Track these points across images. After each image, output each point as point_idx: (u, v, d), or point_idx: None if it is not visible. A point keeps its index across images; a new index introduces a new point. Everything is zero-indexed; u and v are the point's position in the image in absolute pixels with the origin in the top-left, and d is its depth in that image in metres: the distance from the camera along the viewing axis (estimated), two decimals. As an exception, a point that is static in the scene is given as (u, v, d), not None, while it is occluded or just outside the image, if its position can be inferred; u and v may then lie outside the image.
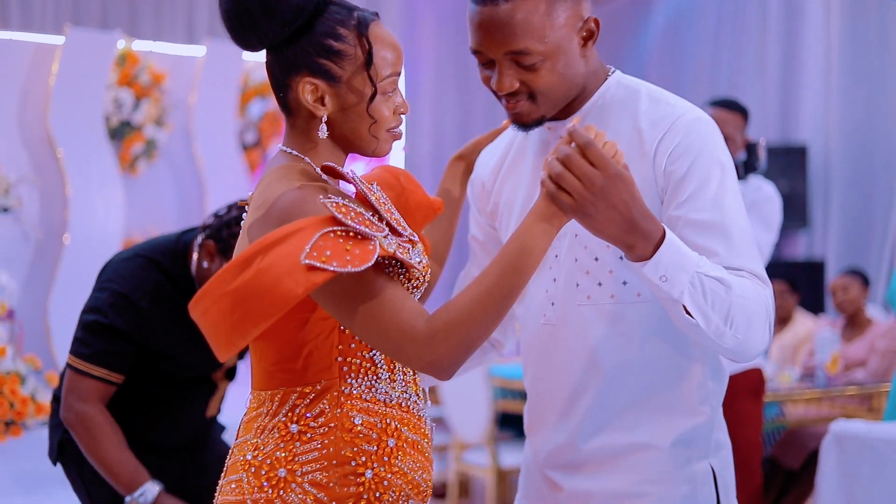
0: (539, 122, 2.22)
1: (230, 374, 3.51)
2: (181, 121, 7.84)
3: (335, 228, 1.81)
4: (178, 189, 7.95)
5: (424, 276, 2.02)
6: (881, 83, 8.39)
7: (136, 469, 3.21)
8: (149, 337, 3.23)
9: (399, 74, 2.07)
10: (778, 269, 7.88)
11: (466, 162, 2.58)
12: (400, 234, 1.95)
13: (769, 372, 5.97)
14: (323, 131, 2.01)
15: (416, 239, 2.02)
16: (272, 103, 8.21)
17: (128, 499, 3.19)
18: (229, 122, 7.89)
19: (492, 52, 2.14)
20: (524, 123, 2.21)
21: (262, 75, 8.16)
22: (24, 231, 7.19)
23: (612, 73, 2.29)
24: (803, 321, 7.16)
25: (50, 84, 7.22)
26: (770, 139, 8.91)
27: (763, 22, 9.22)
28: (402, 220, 2.04)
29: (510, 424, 6.99)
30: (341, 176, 2.05)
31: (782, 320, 7.17)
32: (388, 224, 1.94)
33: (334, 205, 1.83)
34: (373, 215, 1.93)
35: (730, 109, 4.80)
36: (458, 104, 10.19)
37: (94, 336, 3.21)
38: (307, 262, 1.75)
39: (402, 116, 2.10)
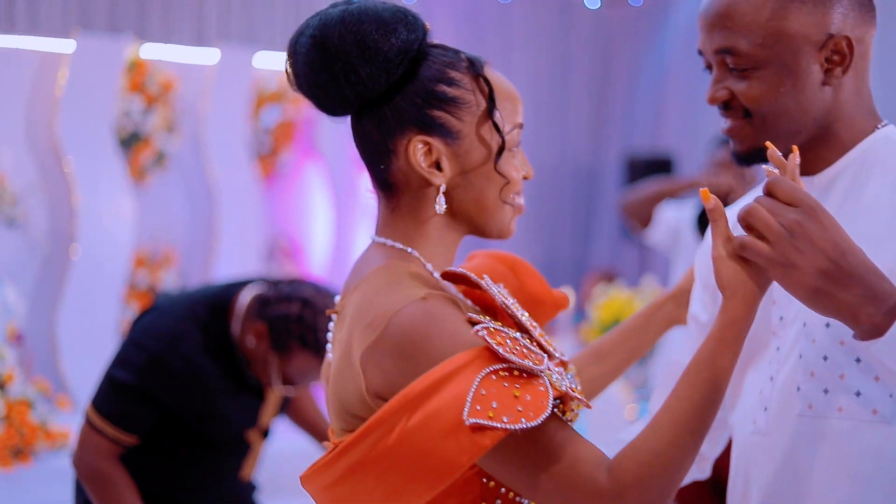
0: (758, 155, 1.74)
1: (266, 432, 3.35)
2: (192, 129, 7.66)
3: (496, 368, 1.42)
4: (190, 199, 7.78)
5: (580, 406, 1.60)
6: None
7: None
8: (180, 402, 3.07)
9: (522, 127, 1.68)
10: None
11: (678, 303, 2.07)
12: (552, 355, 1.58)
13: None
14: (441, 205, 1.60)
15: (566, 358, 1.66)
16: (286, 111, 8.03)
17: None
18: (241, 130, 7.71)
19: (704, 50, 1.76)
20: (738, 153, 1.77)
21: (275, 81, 7.99)
22: (30, 244, 7.03)
23: (884, 125, 1.78)
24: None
25: (58, 92, 7.05)
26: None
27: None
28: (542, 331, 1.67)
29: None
30: (471, 284, 1.68)
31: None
32: (538, 345, 1.58)
33: (488, 332, 1.44)
34: (524, 337, 1.54)
35: None
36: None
37: (118, 395, 3.04)
38: (472, 421, 1.38)
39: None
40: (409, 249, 1.63)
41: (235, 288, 3.19)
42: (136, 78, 7.41)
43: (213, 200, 7.65)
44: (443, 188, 1.60)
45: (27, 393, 5.59)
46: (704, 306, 1.94)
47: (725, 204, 4.28)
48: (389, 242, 1.64)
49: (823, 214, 1.48)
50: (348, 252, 8.12)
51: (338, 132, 7.31)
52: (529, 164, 1.70)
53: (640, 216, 5.04)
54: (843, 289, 1.46)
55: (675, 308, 2.06)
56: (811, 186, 1.75)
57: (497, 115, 1.61)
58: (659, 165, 9.15)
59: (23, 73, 7.11)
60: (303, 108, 8.10)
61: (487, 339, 1.42)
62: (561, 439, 1.45)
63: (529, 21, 9.26)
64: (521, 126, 1.67)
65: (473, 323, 1.49)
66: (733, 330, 1.51)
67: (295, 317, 3.06)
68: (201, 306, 3.15)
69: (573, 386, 1.53)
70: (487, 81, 1.62)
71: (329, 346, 1.69)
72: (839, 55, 1.70)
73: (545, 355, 1.49)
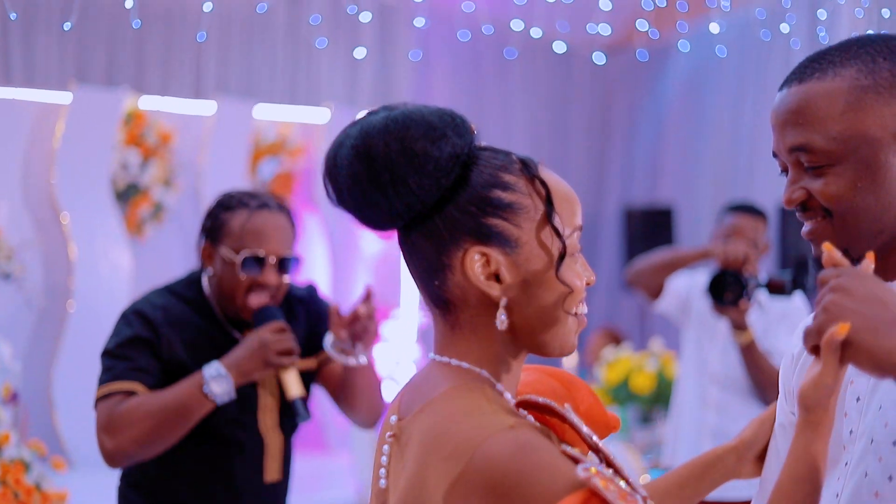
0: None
1: (287, 427, 3.22)
2: (190, 182, 7.58)
3: None
4: (187, 253, 7.68)
5: None
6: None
7: (185, 383, 2.93)
8: (166, 348, 2.99)
9: (581, 229, 1.57)
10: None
11: (739, 457, 1.90)
12: (635, 489, 1.43)
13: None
14: (502, 321, 1.49)
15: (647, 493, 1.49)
16: (284, 162, 7.98)
17: (206, 391, 2.90)
18: (240, 182, 7.63)
19: (778, 150, 1.68)
20: (820, 257, 1.62)
21: (274, 133, 7.94)
22: (26, 298, 6.93)
23: None
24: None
25: (55, 144, 6.98)
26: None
27: (785, 74, 9.00)
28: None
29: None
30: (542, 409, 1.54)
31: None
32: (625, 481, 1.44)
33: (598, 476, 1.32)
34: (605, 467, 1.42)
35: (751, 215, 4.59)
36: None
37: (114, 358, 2.98)
38: None
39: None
40: (480, 370, 1.51)
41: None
42: (133, 130, 7.34)
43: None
44: (503, 302, 1.49)
45: (22, 455, 5.48)
46: (787, 417, 1.82)
47: (741, 272, 4.23)
48: (455, 362, 1.52)
49: (864, 275, 1.44)
50: (346, 304, 8.04)
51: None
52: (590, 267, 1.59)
53: (650, 287, 4.96)
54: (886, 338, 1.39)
55: (735, 461, 1.90)
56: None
57: (556, 219, 1.52)
58: (658, 216, 9.11)
59: (20, 126, 7.03)
60: (300, 159, 8.04)
61: (596, 484, 1.30)
62: None
63: (529, 74, 9.24)
64: (580, 228, 1.57)
65: (571, 458, 1.37)
66: (823, 438, 1.47)
67: (212, 205, 3.09)
68: (173, 283, 3.17)
69: None
70: (544, 183, 1.53)
71: (382, 471, 1.54)
72: None
73: (638, 495, 1.38)
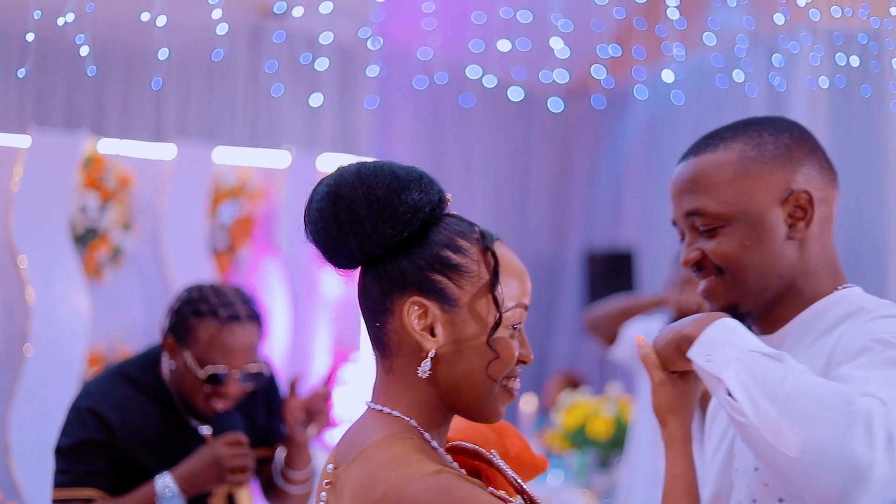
0: (732, 313, 1.81)
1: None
2: (149, 225, 7.55)
3: None
4: (146, 296, 7.66)
5: None
6: (868, 185, 8.27)
7: (138, 493, 2.95)
8: (122, 450, 3.00)
9: (527, 309, 1.66)
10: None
11: None
12: None
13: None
14: (424, 369, 1.58)
15: None
16: (244, 206, 7.98)
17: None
18: (199, 226, 7.62)
19: (676, 218, 1.89)
20: (716, 312, 1.82)
21: (234, 177, 7.94)
22: (-18, 344, 6.88)
23: (846, 287, 1.86)
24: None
25: (13, 188, 6.94)
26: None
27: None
28: None
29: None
30: (478, 456, 1.65)
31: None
32: None
33: None
34: None
35: None
36: (432, 161, 9.81)
37: (69, 460, 2.99)
38: None
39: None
40: (409, 419, 1.60)
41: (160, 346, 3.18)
42: (92, 173, 7.32)
43: (169, 297, 7.50)
44: (431, 353, 1.58)
45: (-22, 502, 5.45)
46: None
47: None
48: (387, 410, 1.60)
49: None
50: (306, 348, 8.03)
51: (296, 228, 7.23)
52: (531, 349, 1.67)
53: (606, 333, 5.02)
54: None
55: None
56: (769, 342, 1.82)
57: (499, 290, 1.60)
58: (619, 260, 9.16)
59: (-23, 169, 7.00)
60: (260, 203, 8.04)
61: None
62: None
63: (488, 119, 9.29)
64: (525, 307, 1.65)
65: (500, 500, 1.46)
66: (682, 446, 1.68)
67: (183, 301, 3.09)
68: (129, 366, 3.17)
69: None
70: (495, 255, 1.61)
71: None
72: (801, 209, 1.82)
73: None
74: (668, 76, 7.96)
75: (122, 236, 7.37)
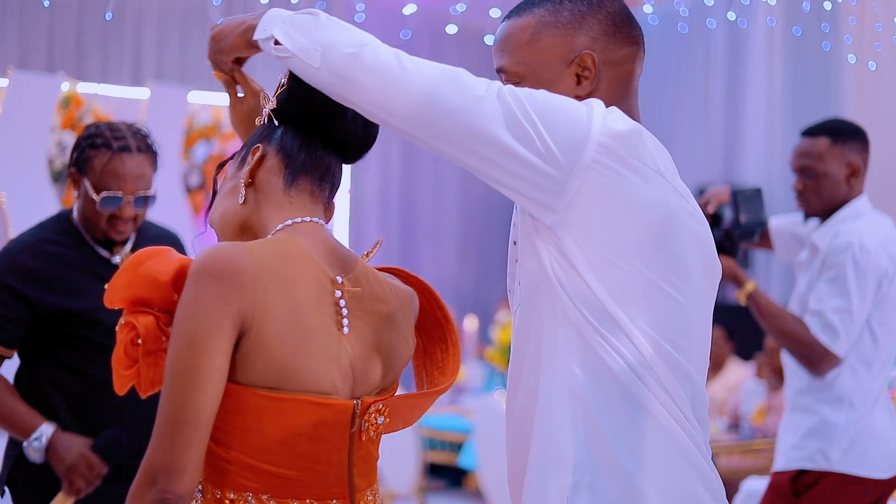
0: None
1: None
2: (125, 164, 7.81)
3: None
4: (121, 231, 7.93)
5: None
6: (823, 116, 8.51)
7: (29, 414, 3.19)
8: (36, 289, 3.21)
9: None
10: (717, 314, 7.94)
11: None
12: None
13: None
14: None
15: None
16: (216, 145, 8.24)
17: (25, 445, 3.17)
18: (174, 164, 7.89)
19: (495, 69, 2.10)
20: None
21: (206, 117, 8.20)
22: (-37, 277, 7.16)
23: None
24: (736, 370, 7.20)
25: (-7, 127, 7.24)
26: (714, 181, 9.02)
27: (705, 65, 9.32)
28: None
29: (439, 475, 7.01)
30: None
31: (715, 367, 7.23)
32: None
33: None
34: None
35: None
36: (403, 142, 10.23)
37: None
38: None
39: None
40: None
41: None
42: (70, 113, 7.59)
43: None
44: None
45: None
46: None
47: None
48: None
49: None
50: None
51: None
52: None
53: None
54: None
55: None
56: None
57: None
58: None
59: (-42, 109, 7.28)
60: (233, 142, 8.30)
61: None
62: None
63: (468, 65, 9.51)
64: None
65: None
66: None
67: (82, 137, 3.31)
68: (45, 221, 3.38)
69: None
70: None
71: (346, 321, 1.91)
72: (587, 70, 2.01)
73: None
74: (648, 9, 8.16)
75: (98, 174, 7.63)
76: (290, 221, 1.93)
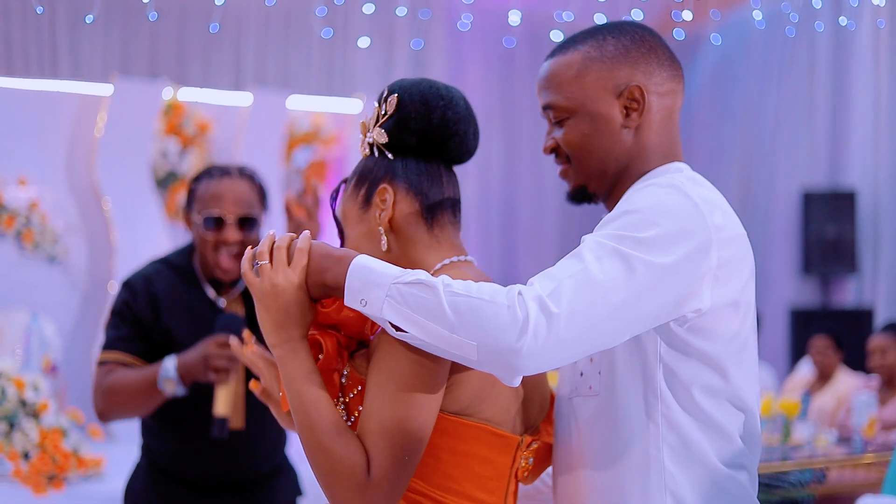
0: (582, 194, 2.10)
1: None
2: (227, 169, 7.87)
3: None
4: (224, 237, 7.98)
5: None
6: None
7: (149, 367, 3.25)
8: (147, 316, 3.31)
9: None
10: (825, 321, 7.80)
11: None
12: None
13: (805, 434, 5.90)
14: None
15: None
16: (317, 151, 8.26)
17: (160, 386, 3.20)
18: (274, 170, 7.94)
19: (542, 110, 2.13)
20: (569, 193, 2.12)
21: (307, 122, 8.21)
22: (70, 280, 7.27)
23: (672, 164, 2.08)
24: (845, 380, 7.05)
25: (97, 134, 7.32)
26: (818, 184, 8.85)
27: (811, 67, 9.15)
28: None
29: None
30: None
31: (824, 377, 7.10)
32: None
33: None
34: None
35: None
36: (503, 146, 10.13)
37: (106, 328, 3.36)
38: None
39: None
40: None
41: None
42: (172, 120, 7.65)
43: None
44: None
45: (61, 422, 5.79)
46: None
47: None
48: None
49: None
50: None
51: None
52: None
53: None
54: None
55: None
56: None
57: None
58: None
59: (64, 116, 7.40)
60: (333, 148, 8.32)
61: None
62: None
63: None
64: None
65: None
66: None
67: (191, 179, 3.43)
68: (172, 252, 3.50)
69: None
70: None
71: None
72: (635, 102, 2.04)
73: None
74: (756, 15, 8.06)
75: (200, 180, 7.69)
76: (447, 261, 1.97)
